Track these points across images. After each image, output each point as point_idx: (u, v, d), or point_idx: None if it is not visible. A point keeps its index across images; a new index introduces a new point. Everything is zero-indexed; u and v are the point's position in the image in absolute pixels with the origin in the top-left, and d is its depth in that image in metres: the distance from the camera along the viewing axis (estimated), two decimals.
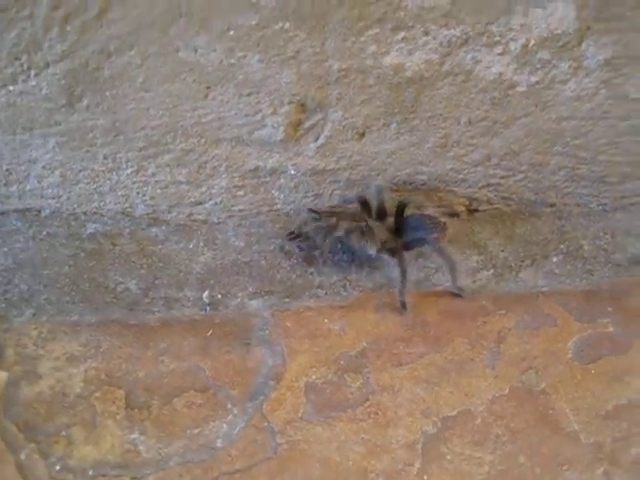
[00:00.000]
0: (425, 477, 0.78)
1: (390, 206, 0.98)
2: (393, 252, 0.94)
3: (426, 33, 0.86)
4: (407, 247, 0.94)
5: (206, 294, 0.91)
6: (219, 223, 0.99)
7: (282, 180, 0.97)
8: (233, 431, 0.81)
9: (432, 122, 0.93)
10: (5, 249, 0.97)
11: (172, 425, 0.81)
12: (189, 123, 0.91)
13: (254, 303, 0.92)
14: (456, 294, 0.93)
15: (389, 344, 0.88)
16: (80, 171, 0.96)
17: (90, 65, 0.87)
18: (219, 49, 0.86)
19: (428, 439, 0.81)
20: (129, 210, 1.00)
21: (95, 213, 0.99)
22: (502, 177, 0.99)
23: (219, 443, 0.80)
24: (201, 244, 0.97)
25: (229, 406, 0.83)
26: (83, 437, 0.80)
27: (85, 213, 1.00)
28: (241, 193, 0.98)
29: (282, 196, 0.98)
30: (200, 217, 0.99)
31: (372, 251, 0.94)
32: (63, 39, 0.85)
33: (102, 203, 0.99)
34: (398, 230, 0.96)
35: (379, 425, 0.81)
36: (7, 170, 0.96)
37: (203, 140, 0.93)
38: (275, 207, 1.00)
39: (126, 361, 0.86)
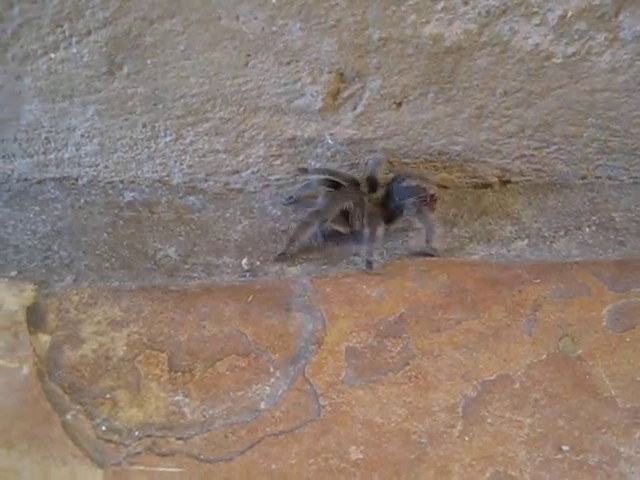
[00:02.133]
0: (467, 439, 0.79)
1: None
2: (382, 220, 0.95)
3: (465, 3, 0.87)
4: (392, 216, 0.95)
5: (245, 261, 0.91)
6: (255, 192, 1.00)
7: (319, 149, 0.98)
8: (276, 393, 0.81)
9: (468, 92, 0.94)
10: (43, 217, 0.97)
11: (215, 388, 0.82)
12: (229, 91, 0.92)
13: (293, 270, 0.92)
14: (430, 254, 0.95)
15: (427, 310, 0.89)
16: (118, 139, 0.97)
17: (132, 32, 0.88)
18: (260, 17, 0.86)
19: (468, 402, 0.82)
20: (166, 179, 1.00)
21: (132, 182, 1.00)
22: (535, 149, 1.00)
23: (262, 405, 0.81)
24: (238, 212, 0.98)
25: (271, 369, 0.83)
26: (128, 399, 0.81)
27: (122, 181, 1.01)
28: (278, 162, 0.99)
29: (319, 165, 0.99)
30: (237, 186, 1.00)
31: (346, 229, 0.95)
32: (105, 6, 0.86)
33: (139, 171, 1.00)
34: (386, 202, 0.97)
35: (420, 388, 0.82)
36: (46, 138, 0.97)
37: (242, 109, 0.94)
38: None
39: (168, 325, 0.87)
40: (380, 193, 0.98)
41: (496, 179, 1.02)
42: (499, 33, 0.89)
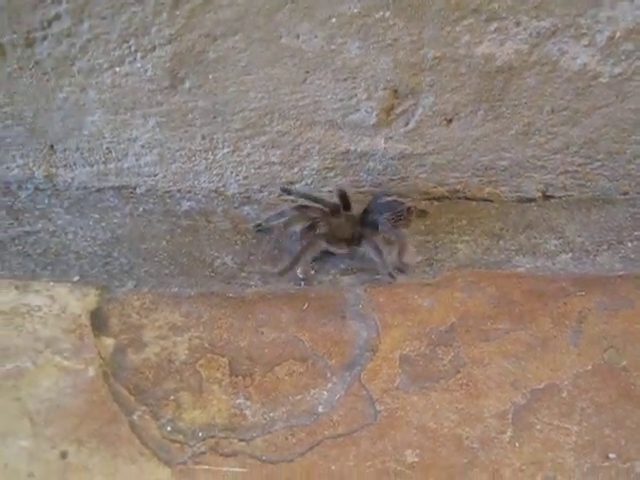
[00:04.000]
0: (517, 444, 0.82)
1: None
2: (360, 240, 0.97)
3: (517, 24, 0.90)
4: (369, 232, 0.97)
5: (300, 270, 0.94)
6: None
7: (371, 163, 1.01)
8: (334, 398, 0.85)
9: (517, 110, 0.97)
10: (103, 224, 1.01)
11: (275, 391, 0.85)
12: (286, 106, 0.95)
13: (346, 279, 0.96)
14: (400, 269, 0.97)
15: (477, 320, 0.92)
16: (177, 150, 1.00)
17: (195, 48, 0.91)
18: (320, 36, 0.90)
19: (518, 409, 0.85)
20: (222, 189, 1.04)
21: (189, 191, 1.04)
22: (579, 165, 1.03)
23: (321, 409, 0.84)
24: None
25: (328, 375, 0.87)
26: (191, 401, 0.84)
27: (179, 191, 1.04)
28: (331, 175, 1.03)
29: (370, 178, 1.03)
30: (290, 197, 1.03)
31: (343, 250, 0.98)
32: (171, 23, 0.89)
33: (197, 182, 1.03)
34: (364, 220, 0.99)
35: (471, 395, 0.85)
36: (107, 148, 1.00)
37: (298, 123, 0.97)
38: (362, 189, 1.04)
39: (227, 331, 0.90)
40: (357, 212, 0.99)
41: (540, 194, 1.05)
42: (548, 53, 0.93)
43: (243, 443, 0.81)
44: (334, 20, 0.89)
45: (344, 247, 0.97)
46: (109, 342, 0.89)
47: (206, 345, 0.89)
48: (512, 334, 0.91)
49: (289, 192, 1.01)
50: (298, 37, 0.90)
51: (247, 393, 0.85)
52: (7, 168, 1.03)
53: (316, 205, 0.98)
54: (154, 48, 0.91)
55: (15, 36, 0.91)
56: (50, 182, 1.04)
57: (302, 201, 0.99)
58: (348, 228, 0.97)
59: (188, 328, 0.90)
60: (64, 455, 0.79)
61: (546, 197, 1.06)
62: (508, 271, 0.98)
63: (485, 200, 1.05)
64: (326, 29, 0.89)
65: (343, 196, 0.99)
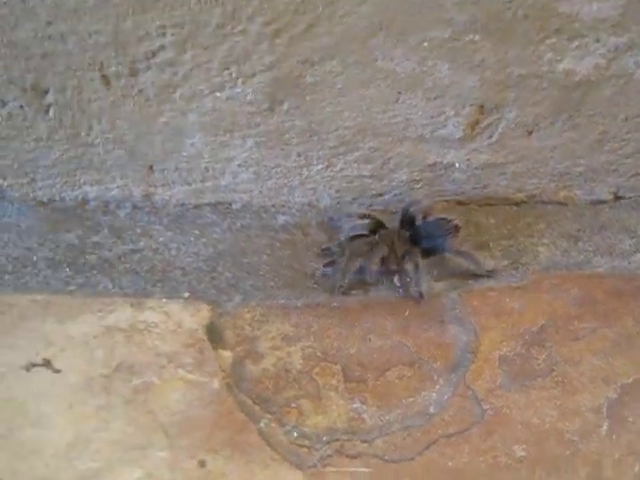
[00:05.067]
0: (614, 437, 0.89)
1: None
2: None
3: (597, 41, 0.96)
4: (426, 254, 1.02)
5: (396, 278, 1.01)
6: (396, 212, 1.09)
7: (456, 174, 1.07)
8: (442, 399, 0.92)
9: (593, 120, 1.03)
10: (204, 240, 1.07)
11: (388, 395, 0.92)
12: (379, 124, 1.01)
13: (440, 285, 1.02)
14: (489, 275, 1.03)
15: (564, 321, 0.99)
16: (273, 168, 1.06)
17: (293, 73, 0.96)
18: (413, 59, 0.95)
19: (611, 403, 0.92)
20: (315, 202, 1.10)
21: (283, 206, 1.09)
22: None
23: (432, 410, 0.91)
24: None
25: (435, 377, 0.93)
26: (312, 407, 0.91)
27: (274, 205, 1.10)
28: (418, 186, 1.09)
29: (454, 187, 1.09)
30: (379, 207, 1.09)
31: (394, 266, 1.01)
32: (272, 51, 0.94)
33: (291, 196, 1.09)
34: (412, 237, 1.04)
35: (567, 392, 0.92)
36: (205, 168, 1.06)
37: (390, 139, 1.03)
38: (446, 197, 1.10)
39: (336, 340, 0.96)
40: (410, 230, 1.04)
41: (611, 195, 1.12)
42: (624, 66, 0.98)
43: (365, 444, 0.87)
44: (426, 44, 0.94)
45: (393, 265, 1.01)
46: (227, 354, 0.95)
47: (319, 354, 0.95)
48: (598, 332, 0.98)
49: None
50: (392, 60, 0.95)
51: (362, 397, 0.91)
52: (106, 188, 1.09)
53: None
54: (254, 74, 0.96)
55: (120, 67, 0.95)
56: (148, 200, 1.09)
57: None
58: (399, 246, 1.01)
59: (299, 338, 0.96)
60: (202, 464, 0.86)
61: (617, 198, 1.12)
62: (588, 272, 1.04)
63: (560, 204, 1.11)
64: (418, 52, 0.94)
65: (404, 213, 1.04)
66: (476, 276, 1.03)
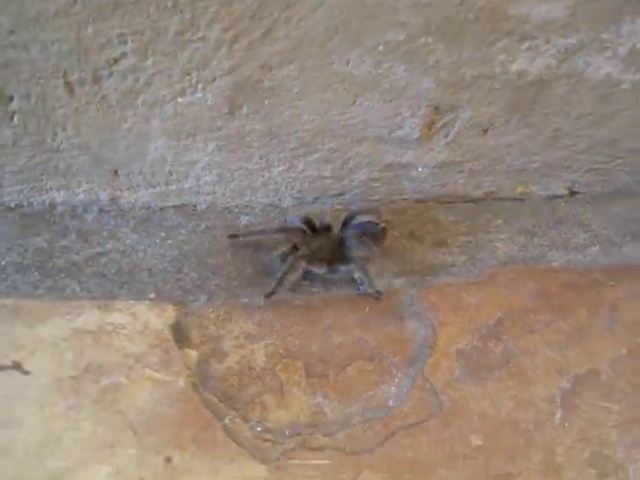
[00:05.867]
0: (566, 425, 0.93)
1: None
2: (344, 260, 1.04)
3: (547, 42, 0.99)
4: (351, 253, 1.05)
5: (357, 275, 1.04)
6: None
7: (414, 172, 1.10)
8: (401, 392, 0.95)
9: (547, 117, 1.06)
10: (169, 241, 1.09)
11: (349, 390, 0.95)
12: (337, 126, 1.04)
13: (398, 282, 1.05)
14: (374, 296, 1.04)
15: (520, 314, 1.02)
16: (235, 170, 1.08)
17: (253, 78, 0.99)
18: (369, 61, 0.98)
19: (565, 393, 0.95)
20: (277, 202, 1.12)
21: (247, 206, 1.12)
22: (603, 163, 1.13)
23: (391, 403, 0.94)
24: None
25: (394, 371, 0.96)
26: (275, 403, 0.93)
27: (237, 206, 1.12)
28: (377, 185, 1.11)
29: (412, 186, 1.12)
30: (340, 207, 1.11)
31: (322, 270, 1.03)
32: (231, 56, 0.97)
33: (254, 197, 1.12)
34: (342, 240, 1.06)
35: (522, 383, 0.96)
36: (169, 171, 1.08)
37: (348, 140, 1.06)
38: (406, 196, 1.13)
39: (298, 337, 0.99)
40: (336, 232, 1.07)
41: (567, 191, 1.15)
42: (575, 66, 1.01)
43: (327, 438, 0.90)
44: (381, 47, 0.97)
45: (324, 267, 1.03)
46: (193, 354, 0.97)
47: (281, 351, 0.98)
48: (553, 325, 1.01)
49: (236, 237, 1.08)
50: (348, 63, 0.98)
51: (324, 392, 0.94)
52: (73, 193, 1.11)
53: (296, 226, 1.05)
54: (214, 79, 0.99)
55: (83, 74, 0.97)
56: (114, 204, 1.12)
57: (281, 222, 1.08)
58: (328, 248, 1.05)
59: (262, 336, 0.99)
60: (169, 460, 0.88)
61: (572, 193, 1.16)
62: (544, 266, 1.08)
63: (517, 200, 1.14)
64: (374, 55, 0.97)
65: (323, 224, 1.07)
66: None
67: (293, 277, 1.01)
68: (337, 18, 0.93)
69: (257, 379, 0.95)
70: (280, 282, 1.01)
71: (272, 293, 1.01)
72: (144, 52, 0.96)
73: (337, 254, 1.05)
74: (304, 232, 1.05)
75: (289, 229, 1.05)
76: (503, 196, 1.15)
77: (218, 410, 0.92)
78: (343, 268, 1.03)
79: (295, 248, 1.03)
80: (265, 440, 0.90)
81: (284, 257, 1.02)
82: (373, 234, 1.04)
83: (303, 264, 1.01)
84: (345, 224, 1.07)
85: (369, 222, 1.05)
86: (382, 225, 1.05)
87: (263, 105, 1.01)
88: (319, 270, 1.03)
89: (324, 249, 1.05)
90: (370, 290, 1.02)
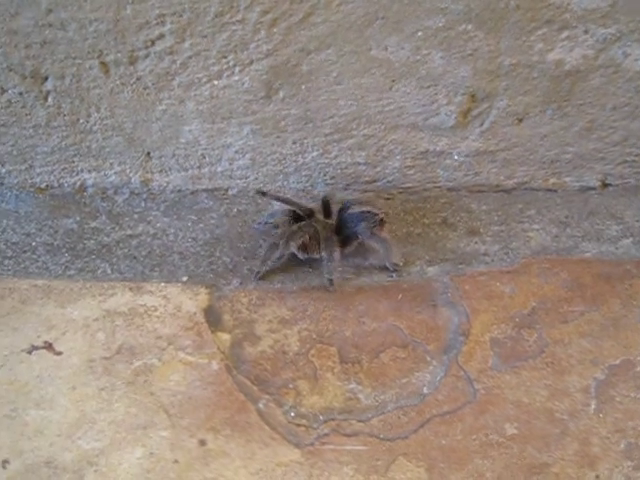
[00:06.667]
0: (601, 415, 0.92)
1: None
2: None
3: (586, 32, 0.98)
4: (345, 241, 1.04)
5: (389, 262, 1.03)
6: (389, 199, 1.12)
7: (447, 160, 1.10)
8: (436, 379, 0.94)
9: (582, 109, 1.06)
10: (201, 225, 1.09)
11: (383, 376, 0.94)
12: (373, 112, 1.03)
13: (432, 270, 1.05)
14: (390, 270, 1.05)
15: (554, 303, 1.01)
16: (269, 155, 1.08)
17: (290, 62, 0.98)
18: (407, 47, 0.97)
19: (599, 384, 0.95)
20: (309, 188, 1.12)
21: (279, 191, 1.11)
22: (637, 155, 1.12)
23: (425, 390, 0.93)
24: None
25: (428, 359, 0.96)
26: (308, 388, 0.93)
27: (270, 191, 1.12)
28: (411, 172, 1.11)
29: (446, 174, 1.11)
30: (372, 194, 1.11)
31: (315, 255, 1.03)
32: (269, 40, 0.96)
33: (286, 182, 1.11)
34: (339, 228, 1.05)
35: (557, 372, 0.95)
36: (202, 154, 1.08)
37: (383, 126, 1.05)
38: (439, 184, 1.13)
39: (331, 322, 0.99)
40: (334, 220, 1.06)
41: (599, 182, 1.15)
42: (613, 57, 1.01)
43: (361, 424, 0.90)
44: (420, 33, 0.96)
45: (316, 253, 1.03)
46: (225, 337, 0.97)
47: (314, 336, 0.97)
48: (586, 315, 1.01)
49: (264, 194, 1.08)
50: (386, 49, 0.97)
51: (358, 378, 0.94)
52: (105, 175, 1.10)
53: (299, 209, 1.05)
54: (251, 62, 0.98)
55: (119, 55, 0.97)
56: (145, 187, 1.11)
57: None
58: (323, 234, 1.03)
59: (296, 321, 0.99)
60: (203, 442, 0.88)
61: (605, 185, 1.15)
62: (577, 257, 1.07)
63: (549, 190, 1.14)
64: (413, 41, 0.97)
65: (326, 204, 1.06)
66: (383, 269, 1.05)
67: (276, 259, 1.02)
68: (378, 3, 0.93)
69: (290, 364, 0.95)
70: (263, 264, 1.01)
71: (258, 273, 1.01)
72: (182, 33, 0.95)
73: (330, 241, 1.02)
74: (311, 214, 1.04)
75: (304, 208, 1.04)
76: (535, 186, 1.14)
77: (252, 394, 0.92)
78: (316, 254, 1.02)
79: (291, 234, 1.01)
80: (299, 425, 0.89)
81: (280, 237, 1.01)
82: (371, 224, 1.03)
83: (292, 246, 1.00)
84: (341, 212, 1.05)
85: (368, 212, 1.04)
86: (381, 215, 1.04)
87: (300, 89, 1.00)
88: (312, 255, 1.03)
89: (319, 234, 1.03)
90: (326, 276, 1.01)
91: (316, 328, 0.98)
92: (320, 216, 1.06)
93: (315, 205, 1.07)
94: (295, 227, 1.01)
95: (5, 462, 0.86)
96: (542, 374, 0.95)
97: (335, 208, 1.06)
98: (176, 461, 0.86)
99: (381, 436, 0.89)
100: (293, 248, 1.01)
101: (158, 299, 1.00)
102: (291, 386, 0.93)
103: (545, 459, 0.87)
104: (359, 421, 0.90)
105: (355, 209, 1.05)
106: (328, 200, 1.07)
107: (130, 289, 1.01)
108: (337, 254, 1.01)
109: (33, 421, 0.89)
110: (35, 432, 0.88)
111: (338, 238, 1.03)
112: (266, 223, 1.04)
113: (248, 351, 0.96)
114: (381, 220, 1.04)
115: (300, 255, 1.02)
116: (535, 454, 0.88)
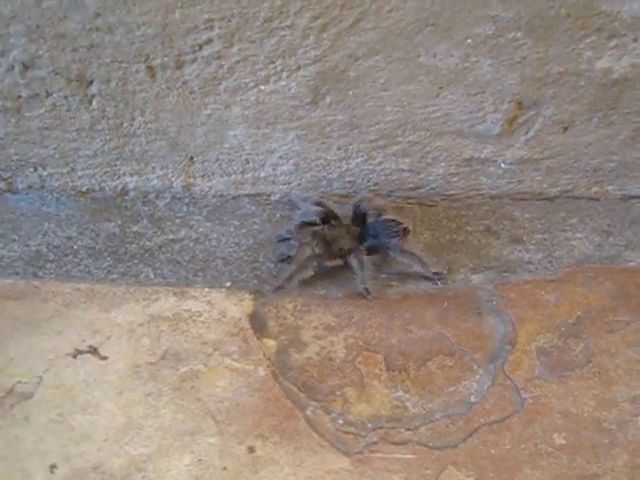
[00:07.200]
0: None
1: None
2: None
3: (635, 40, 0.98)
4: (371, 252, 1.03)
5: (434, 270, 1.03)
6: (432, 206, 1.11)
7: (491, 168, 1.09)
8: (483, 388, 0.94)
9: (627, 117, 1.05)
10: (244, 230, 1.08)
11: (430, 384, 0.94)
12: (419, 118, 1.03)
13: (476, 277, 1.04)
14: (432, 279, 1.04)
15: (599, 313, 1.01)
16: (313, 160, 1.08)
17: (338, 68, 0.98)
18: (456, 54, 0.97)
19: None
20: (352, 194, 1.12)
21: (322, 198, 1.11)
22: None
23: (473, 399, 0.93)
24: (417, 224, 1.09)
25: (475, 367, 0.96)
26: (356, 396, 0.93)
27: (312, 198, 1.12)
28: (455, 179, 1.11)
29: (489, 182, 1.11)
30: (414, 201, 1.11)
31: (337, 263, 1.03)
32: (318, 45, 0.96)
33: (329, 188, 1.11)
34: (361, 234, 1.05)
35: (604, 382, 0.95)
36: (245, 159, 1.08)
37: (429, 133, 1.05)
38: (482, 192, 1.12)
39: (377, 330, 0.99)
40: (359, 227, 1.05)
41: None
42: None
43: (410, 432, 0.90)
44: (469, 40, 0.96)
45: (339, 260, 1.02)
46: (271, 343, 0.97)
47: (361, 343, 0.97)
48: (632, 325, 1.00)
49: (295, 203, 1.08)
50: (435, 56, 0.97)
51: (405, 386, 0.94)
52: (147, 179, 1.10)
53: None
54: (299, 68, 0.98)
55: (166, 59, 0.97)
56: (187, 191, 1.11)
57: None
58: (347, 241, 1.03)
59: (342, 328, 0.98)
60: (251, 450, 0.88)
61: None
62: (621, 266, 1.07)
63: (592, 199, 1.14)
64: (461, 48, 0.96)
65: (357, 209, 1.05)
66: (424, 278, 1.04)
67: (304, 274, 1.01)
68: (428, 10, 0.93)
69: (337, 371, 0.94)
70: (289, 279, 1.01)
71: (280, 288, 1.01)
72: (230, 38, 0.95)
73: (354, 248, 1.02)
74: (326, 219, 1.03)
75: (322, 211, 1.03)
76: (578, 195, 1.14)
77: (299, 401, 0.91)
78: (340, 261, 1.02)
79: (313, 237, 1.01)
80: (347, 433, 0.89)
81: (302, 249, 1.00)
82: (395, 233, 1.02)
83: (315, 263, 1.00)
84: (356, 216, 1.05)
85: (392, 221, 1.03)
86: (404, 225, 1.03)
87: (347, 95, 1.00)
88: (333, 263, 1.02)
89: (343, 242, 1.03)
90: (361, 285, 1.01)
91: (362, 335, 0.97)
92: (347, 221, 1.05)
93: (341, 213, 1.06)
94: (322, 234, 1.01)
95: (53, 467, 0.86)
96: (589, 384, 0.94)
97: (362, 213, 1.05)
98: (225, 468, 0.86)
99: (430, 445, 0.89)
100: (308, 254, 1.00)
101: (202, 304, 1.00)
102: (338, 393, 0.93)
103: (595, 470, 0.87)
104: (407, 429, 0.90)
105: (379, 217, 1.04)
106: (359, 205, 1.06)
107: (174, 294, 1.01)
108: (365, 262, 1.01)
109: (80, 426, 0.89)
110: (82, 437, 0.88)
111: (364, 246, 1.03)
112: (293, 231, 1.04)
113: (294, 357, 0.95)
114: (404, 229, 1.03)
115: (328, 264, 1.02)
116: (584, 465, 0.87)
